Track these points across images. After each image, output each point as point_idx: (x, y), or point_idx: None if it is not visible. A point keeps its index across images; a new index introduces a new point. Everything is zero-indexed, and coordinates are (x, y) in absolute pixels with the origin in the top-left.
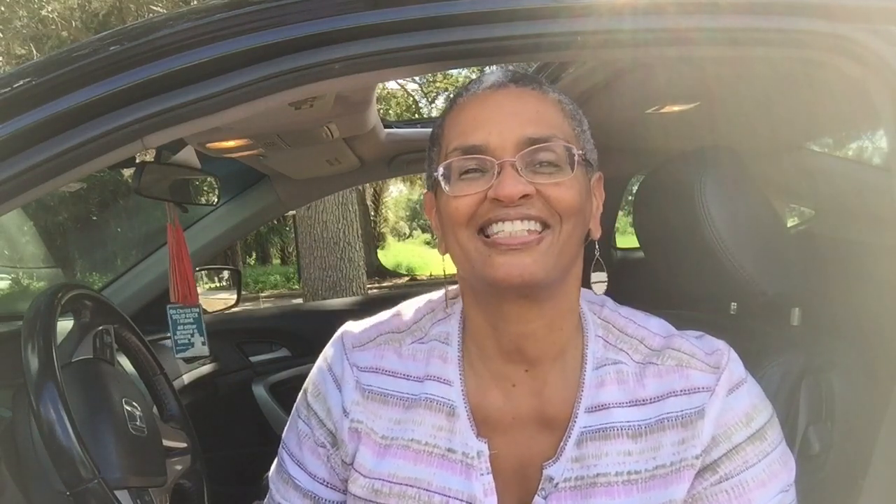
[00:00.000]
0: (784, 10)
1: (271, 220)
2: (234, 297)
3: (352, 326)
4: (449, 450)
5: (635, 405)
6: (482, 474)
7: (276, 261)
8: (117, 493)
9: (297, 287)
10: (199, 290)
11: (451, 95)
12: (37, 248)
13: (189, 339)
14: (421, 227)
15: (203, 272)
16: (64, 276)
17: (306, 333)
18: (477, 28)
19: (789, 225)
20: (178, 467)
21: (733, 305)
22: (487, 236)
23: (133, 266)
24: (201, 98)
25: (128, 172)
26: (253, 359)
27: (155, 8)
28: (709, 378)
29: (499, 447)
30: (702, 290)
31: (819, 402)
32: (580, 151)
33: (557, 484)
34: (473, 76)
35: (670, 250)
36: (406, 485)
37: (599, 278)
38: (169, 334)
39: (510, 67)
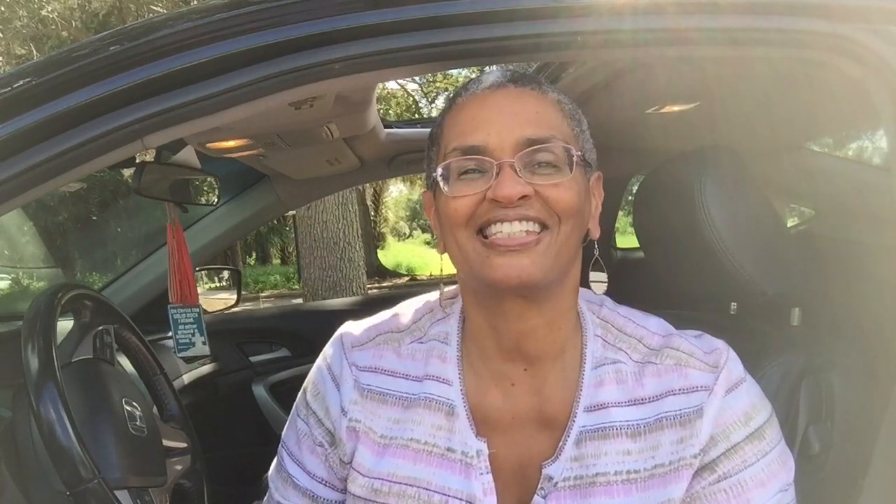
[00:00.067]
0: (784, 10)
1: (271, 220)
2: (234, 297)
3: (351, 326)
4: (448, 449)
5: (634, 404)
6: (481, 473)
7: (276, 261)
8: (117, 493)
9: (297, 287)
10: (199, 290)
11: (451, 95)
12: (37, 248)
13: (190, 339)
14: (421, 227)
15: (203, 272)
16: (64, 276)
17: (306, 333)
18: (477, 28)
19: (789, 225)
20: (178, 467)
21: (733, 305)
22: (486, 237)
23: (133, 266)
24: (201, 98)
25: (128, 172)
26: (253, 359)
27: (155, 8)
28: (707, 377)
29: (498, 446)
30: (702, 290)
31: (819, 402)
32: (579, 152)
33: (557, 483)
34: (473, 76)
35: (670, 250)
36: (405, 484)
37: (599, 278)
38: (169, 334)
39: (510, 67)
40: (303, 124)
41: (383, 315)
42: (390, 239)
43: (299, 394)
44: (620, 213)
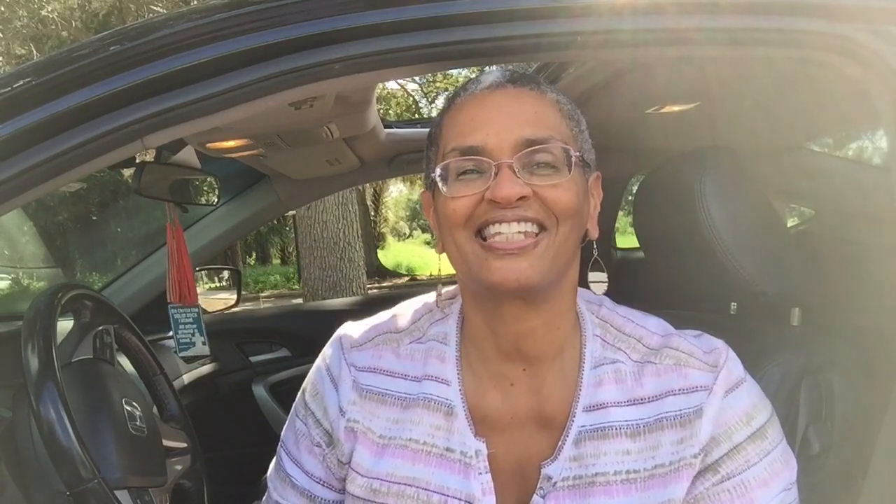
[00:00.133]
0: (784, 10)
1: (271, 220)
2: (234, 297)
3: (350, 327)
4: (447, 449)
5: (633, 404)
6: (480, 473)
7: (276, 261)
8: (117, 493)
9: (297, 287)
10: (199, 290)
11: (450, 95)
12: (37, 248)
13: (190, 339)
14: (421, 227)
15: (203, 272)
16: (64, 276)
17: (306, 333)
18: (477, 28)
19: (789, 225)
20: (178, 467)
21: (733, 305)
22: (484, 238)
23: (133, 266)
24: (201, 98)
25: (128, 172)
26: (253, 359)
27: (155, 8)
28: (707, 377)
29: (497, 446)
30: (702, 290)
31: (819, 402)
32: (577, 153)
33: (556, 483)
34: (473, 76)
35: (670, 250)
36: (404, 484)
37: (598, 278)
38: (169, 334)
39: (509, 67)
40: (303, 124)
41: (382, 316)
42: (390, 239)
43: (298, 394)
44: (620, 213)
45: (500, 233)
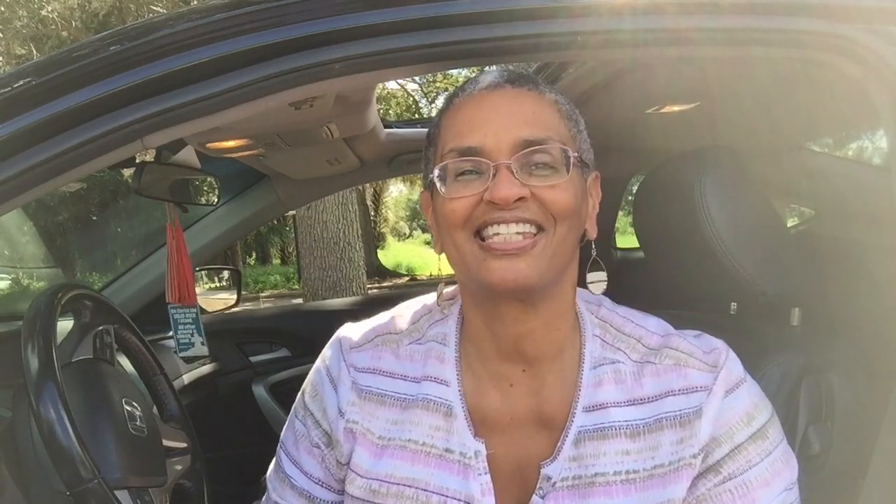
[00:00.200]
0: (784, 10)
1: (271, 220)
2: (234, 297)
3: (349, 328)
4: (446, 450)
5: (633, 404)
6: (480, 474)
7: (276, 261)
8: (117, 493)
9: (297, 287)
10: (199, 290)
11: (448, 94)
12: (37, 248)
13: (189, 339)
14: (421, 227)
15: (203, 272)
16: (64, 276)
17: (306, 333)
18: (477, 28)
19: (789, 225)
20: (178, 467)
21: (733, 305)
22: (483, 239)
23: (133, 266)
24: (201, 98)
25: (128, 172)
26: (253, 359)
27: (155, 8)
28: (706, 377)
29: (496, 447)
30: (702, 290)
31: (819, 402)
32: (575, 154)
33: (555, 483)
34: (473, 76)
35: (670, 250)
36: (403, 485)
37: (598, 278)
38: (169, 334)
39: (508, 67)
40: (303, 124)
41: (381, 317)
42: (390, 239)
43: (298, 395)
44: (620, 213)
45: (498, 233)
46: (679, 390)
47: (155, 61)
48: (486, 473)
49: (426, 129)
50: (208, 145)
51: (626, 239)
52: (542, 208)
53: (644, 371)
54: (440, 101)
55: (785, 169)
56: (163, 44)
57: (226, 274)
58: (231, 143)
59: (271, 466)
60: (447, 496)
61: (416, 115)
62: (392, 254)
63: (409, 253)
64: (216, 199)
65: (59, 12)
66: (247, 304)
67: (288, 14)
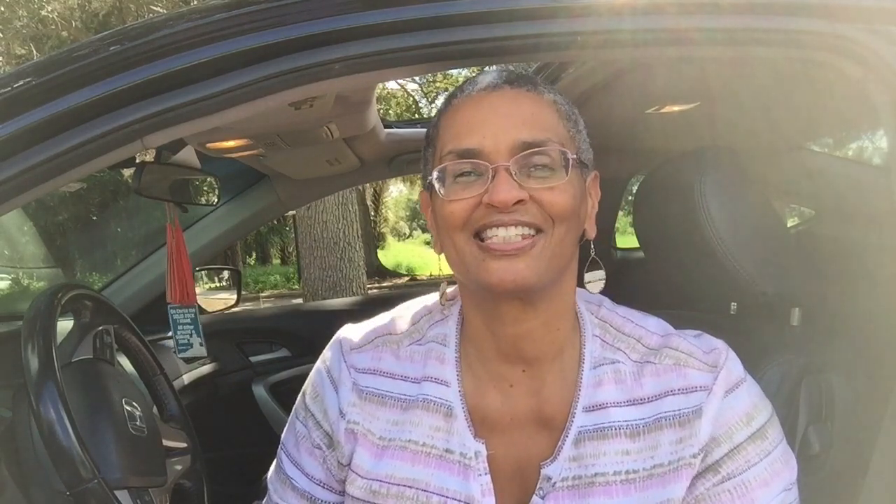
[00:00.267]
0: (784, 10)
1: (271, 220)
2: (234, 297)
3: (349, 329)
4: (447, 450)
5: (633, 404)
6: (480, 475)
7: (276, 261)
8: (117, 493)
9: (297, 287)
10: (199, 290)
11: (447, 95)
12: (37, 248)
13: (188, 340)
14: (421, 227)
15: (203, 272)
16: (64, 276)
17: (306, 333)
18: (477, 28)
19: (789, 225)
20: (178, 467)
21: (733, 305)
22: (482, 240)
23: (133, 266)
24: (201, 98)
25: (128, 172)
26: (253, 359)
27: (155, 8)
28: (706, 377)
29: (497, 447)
30: (702, 290)
31: (819, 402)
32: (574, 155)
33: (555, 483)
34: (473, 76)
35: (670, 250)
36: (404, 485)
37: (596, 277)
38: (169, 334)
39: (507, 68)
40: (303, 124)
41: (382, 318)
42: (390, 239)
43: (298, 396)
44: (620, 213)
45: (497, 234)
46: (679, 390)
47: (155, 61)
48: (486, 474)
49: (426, 129)
50: (208, 145)
51: (626, 239)
52: (540, 210)
53: (644, 371)
54: (440, 101)
55: (785, 169)
56: (163, 44)
57: (226, 274)
58: (231, 143)
59: (272, 468)
60: (447, 497)
61: (416, 115)
62: (392, 254)
63: (409, 253)
64: (216, 199)
65: (59, 12)
66: (247, 304)
67: (288, 14)
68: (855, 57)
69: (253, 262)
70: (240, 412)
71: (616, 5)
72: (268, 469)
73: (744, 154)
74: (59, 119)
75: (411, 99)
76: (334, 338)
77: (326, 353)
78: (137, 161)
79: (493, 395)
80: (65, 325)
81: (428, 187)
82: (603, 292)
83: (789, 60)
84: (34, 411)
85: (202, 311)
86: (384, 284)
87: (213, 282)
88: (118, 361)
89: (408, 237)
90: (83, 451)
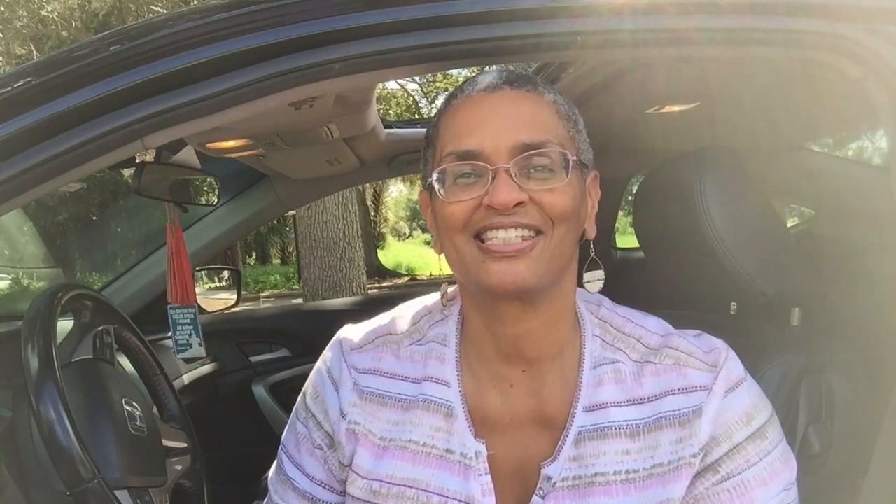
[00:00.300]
0: (784, 10)
1: (271, 220)
2: (234, 297)
3: (350, 330)
4: (447, 450)
5: (633, 404)
6: (480, 475)
7: (276, 261)
8: (117, 493)
9: (297, 287)
10: (199, 290)
11: (447, 95)
12: (37, 248)
13: (187, 340)
14: (421, 227)
15: (203, 272)
16: (64, 276)
17: (306, 333)
18: (477, 28)
19: (789, 225)
20: (178, 467)
21: (733, 305)
22: (482, 241)
23: (133, 266)
24: (201, 98)
25: (128, 172)
26: (253, 359)
27: (155, 8)
28: (706, 377)
29: (497, 447)
30: (702, 290)
31: (819, 402)
32: (574, 157)
33: (555, 483)
34: (472, 76)
35: (670, 250)
36: (404, 485)
37: (595, 277)
38: (169, 334)
39: (507, 68)
40: (303, 124)
41: (382, 318)
42: (390, 239)
43: (299, 397)
44: (620, 213)
45: (497, 236)
46: (679, 390)
47: (155, 61)
48: (486, 474)
49: (426, 129)
50: (208, 145)
51: (626, 239)
52: (540, 212)
53: (644, 371)
54: (440, 101)
55: (785, 169)
56: (163, 44)
57: (226, 274)
58: (231, 143)
59: (272, 469)
60: (448, 497)
61: (416, 115)
62: (392, 254)
63: (409, 253)
64: (216, 199)
65: (59, 12)
66: (247, 304)
67: (288, 14)
68: (855, 57)
69: (253, 262)
70: (240, 412)
71: (616, 5)
72: (268, 469)
73: (744, 154)
74: (59, 119)
75: (411, 99)
76: (334, 338)
77: (327, 354)
78: (137, 161)
79: (493, 395)
80: (65, 325)
81: (428, 188)
82: (603, 292)
83: (789, 60)
84: (34, 411)
85: (202, 311)
86: (384, 284)
87: (213, 282)
88: (118, 361)
89: (408, 237)
90: (83, 451)
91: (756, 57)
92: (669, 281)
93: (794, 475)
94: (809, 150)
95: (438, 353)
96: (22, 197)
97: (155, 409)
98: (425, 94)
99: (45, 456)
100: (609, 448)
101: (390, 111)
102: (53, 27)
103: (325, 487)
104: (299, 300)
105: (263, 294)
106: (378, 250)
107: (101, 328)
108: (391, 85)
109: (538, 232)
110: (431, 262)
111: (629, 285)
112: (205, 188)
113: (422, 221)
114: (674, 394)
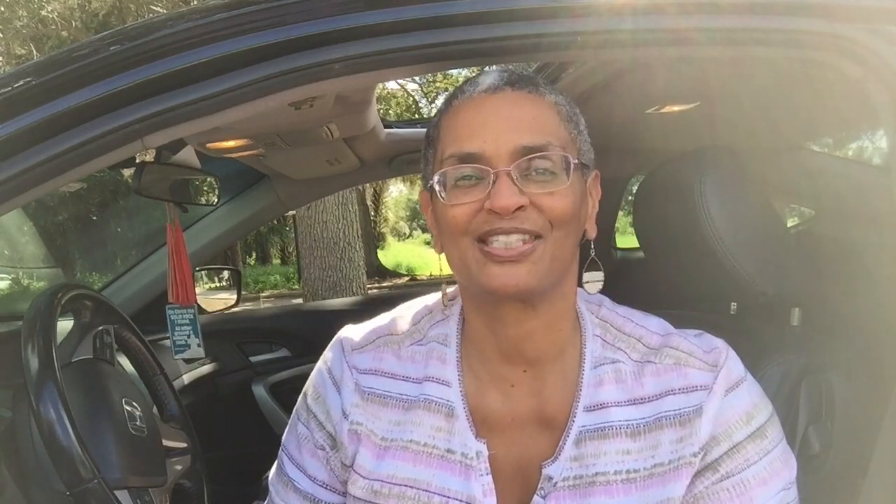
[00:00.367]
0: (784, 10)
1: (271, 220)
2: (234, 297)
3: (350, 330)
4: (448, 450)
5: (633, 404)
6: (481, 475)
7: (276, 261)
8: (117, 493)
9: (297, 287)
10: (199, 290)
11: (448, 95)
12: (37, 248)
13: (186, 341)
14: (421, 227)
15: (203, 272)
16: (64, 276)
17: (306, 333)
18: (477, 28)
19: (789, 225)
20: (178, 467)
21: (733, 305)
22: (484, 244)
23: (133, 266)
24: (201, 98)
25: (128, 172)
26: (253, 359)
27: (155, 8)
28: (706, 376)
29: (498, 447)
30: (702, 290)
31: (819, 402)
32: (575, 160)
33: (556, 483)
34: (472, 76)
35: (670, 250)
36: (405, 486)
37: (595, 277)
38: (169, 334)
39: (508, 68)
40: (303, 124)
41: (382, 318)
42: (390, 239)
43: (300, 398)
44: (620, 213)
45: (498, 240)
46: (679, 389)
47: (155, 61)
48: (487, 474)
49: (426, 129)
50: (208, 145)
51: (626, 239)
52: (540, 216)
53: (644, 370)
54: (440, 101)
55: (785, 169)
56: (163, 44)
57: (226, 274)
58: (231, 143)
59: (273, 469)
60: (449, 497)
61: (416, 115)
62: (392, 254)
63: (409, 253)
64: (216, 199)
65: (59, 12)
66: (247, 304)
67: (288, 14)
68: (855, 57)
69: (253, 262)
70: (240, 412)
71: (616, 5)
72: (268, 469)
73: (744, 154)
74: (59, 119)
75: (411, 99)
76: (335, 338)
77: (327, 354)
78: (137, 161)
79: (494, 395)
80: (65, 325)
81: (429, 189)
82: (603, 292)
83: (789, 60)
84: (34, 411)
85: (202, 311)
86: (384, 284)
87: (213, 282)
88: (118, 361)
89: (408, 237)
90: (83, 451)
91: (756, 57)
92: (669, 281)
93: (793, 475)
94: (809, 150)
95: (439, 353)
96: (22, 197)
97: (155, 409)
98: (425, 94)
99: (45, 456)
100: (610, 448)
101: (390, 111)
102: (53, 27)
103: (326, 488)
104: (299, 300)
105: (263, 294)
106: (378, 250)
107: (101, 328)
108: (391, 85)
109: (538, 236)
110: (431, 262)
111: (629, 285)
112: (205, 188)
113: (422, 221)
114: (674, 393)
